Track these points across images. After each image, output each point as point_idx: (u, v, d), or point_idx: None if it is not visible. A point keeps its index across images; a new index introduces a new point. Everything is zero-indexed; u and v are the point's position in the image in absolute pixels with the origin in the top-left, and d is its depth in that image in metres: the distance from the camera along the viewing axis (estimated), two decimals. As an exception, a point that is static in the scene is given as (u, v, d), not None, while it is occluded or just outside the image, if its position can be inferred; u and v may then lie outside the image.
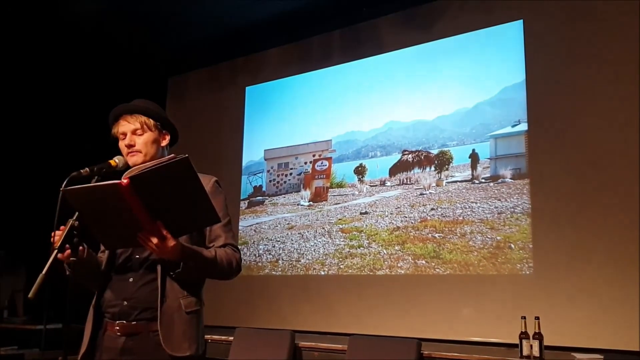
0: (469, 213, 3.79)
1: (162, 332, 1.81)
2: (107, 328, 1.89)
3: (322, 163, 4.62)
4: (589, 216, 3.36)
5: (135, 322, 1.85)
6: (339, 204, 4.44)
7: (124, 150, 1.97)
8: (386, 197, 4.21)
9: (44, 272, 1.63)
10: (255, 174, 5.00)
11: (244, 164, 5.07)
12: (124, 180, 1.61)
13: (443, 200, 3.93)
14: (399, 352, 3.47)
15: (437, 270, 3.82)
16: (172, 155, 1.68)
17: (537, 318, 3.13)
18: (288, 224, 4.67)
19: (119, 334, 1.85)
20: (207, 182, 1.95)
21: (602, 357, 3.03)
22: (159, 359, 1.81)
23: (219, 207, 1.83)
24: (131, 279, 1.89)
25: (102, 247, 2.01)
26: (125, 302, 1.86)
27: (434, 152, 4.05)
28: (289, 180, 4.78)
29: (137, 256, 1.90)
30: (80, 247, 1.78)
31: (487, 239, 3.68)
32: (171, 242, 1.72)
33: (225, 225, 1.96)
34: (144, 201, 1.63)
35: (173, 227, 1.71)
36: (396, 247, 4.03)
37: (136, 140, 1.96)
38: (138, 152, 1.96)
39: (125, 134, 1.98)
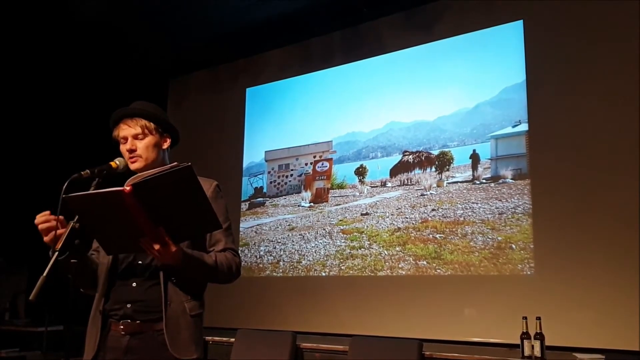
0: (469, 214, 3.79)
1: (168, 335, 1.81)
2: (111, 328, 1.90)
3: (322, 164, 4.62)
4: (590, 216, 3.36)
5: (139, 322, 1.86)
6: (339, 205, 4.44)
7: (126, 154, 1.98)
8: (387, 198, 4.21)
9: (44, 274, 1.63)
10: (256, 175, 5.00)
11: (244, 165, 5.07)
12: (127, 187, 1.61)
13: (444, 200, 3.93)
14: (400, 353, 3.47)
15: (438, 270, 3.82)
16: (175, 163, 1.69)
17: (539, 318, 3.13)
18: (289, 225, 4.68)
19: (123, 332, 1.86)
20: (208, 186, 1.95)
21: (603, 357, 3.03)
22: (163, 359, 1.81)
23: (219, 212, 1.83)
24: (134, 284, 1.89)
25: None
26: (129, 305, 1.87)
27: (435, 152, 4.05)
28: (290, 181, 4.79)
29: (140, 262, 1.91)
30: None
31: (488, 239, 3.68)
32: (173, 248, 1.72)
33: (225, 229, 1.97)
34: (146, 208, 1.64)
35: (174, 233, 1.72)
36: (397, 248, 4.03)
37: (137, 144, 1.96)
38: (139, 157, 1.96)
39: (126, 138, 1.97)
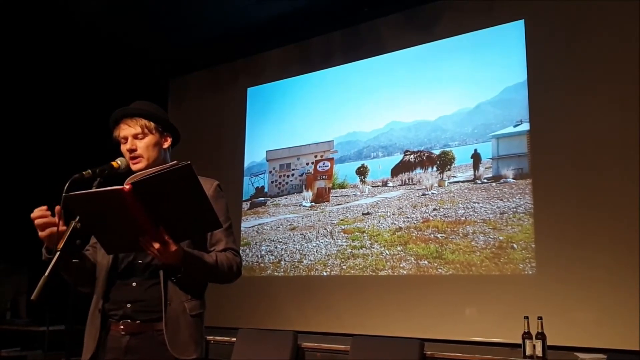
0: (471, 213, 3.79)
1: (167, 335, 1.81)
2: (110, 328, 1.89)
3: (324, 164, 4.62)
4: (591, 216, 3.35)
5: (139, 322, 1.85)
6: (341, 204, 4.44)
7: (126, 154, 1.97)
8: (388, 198, 4.21)
9: (46, 274, 1.63)
10: (257, 175, 5.00)
11: (245, 165, 5.07)
12: (127, 186, 1.61)
13: (445, 200, 3.93)
14: (401, 353, 3.47)
15: (440, 270, 3.81)
16: (175, 161, 1.68)
17: (540, 318, 3.13)
18: (290, 224, 4.67)
19: (123, 332, 1.85)
20: (209, 186, 1.95)
21: (605, 357, 3.03)
22: (163, 359, 1.81)
23: (220, 212, 1.83)
24: (134, 283, 1.89)
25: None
26: (129, 305, 1.86)
27: (436, 152, 4.05)
28: (291, 181, 4.78)
29: (140, 261, 1.90)
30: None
31: (489, 239, 3.67)
32: (173, 247, 1.71)
33: (226, 229, 1.96)
34: (146, 206, 1.64)
35: (175, 232, 1.71)
36: (398, 248, 4.03)
37: (137, 144, 1.95)
38: (140, 157, 1.95)
39: (126, 138, 1.97)
